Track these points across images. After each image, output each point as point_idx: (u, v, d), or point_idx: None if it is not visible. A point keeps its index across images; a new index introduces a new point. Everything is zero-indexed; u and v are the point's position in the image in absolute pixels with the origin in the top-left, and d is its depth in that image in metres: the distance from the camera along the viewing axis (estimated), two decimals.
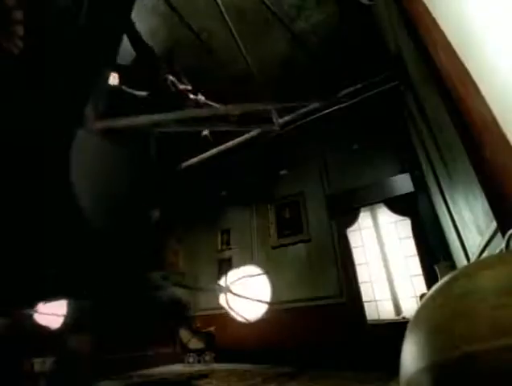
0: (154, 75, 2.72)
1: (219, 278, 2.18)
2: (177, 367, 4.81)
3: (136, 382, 3.88)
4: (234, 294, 1.98)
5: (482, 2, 0.96)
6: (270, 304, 2.12)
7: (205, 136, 3.32)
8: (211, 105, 2.90)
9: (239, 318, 2.04)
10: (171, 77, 2.78)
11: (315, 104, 3.20)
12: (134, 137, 2.39)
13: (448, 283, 0.51)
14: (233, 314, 2.03)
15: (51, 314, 2.70)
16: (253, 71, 2.81)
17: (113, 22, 1.83)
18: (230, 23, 2.67)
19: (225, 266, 5.52)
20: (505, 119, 0.83)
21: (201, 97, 2.92)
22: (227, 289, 2.01)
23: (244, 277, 2.07)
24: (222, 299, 2.04)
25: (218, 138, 3.63)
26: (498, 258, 0.55)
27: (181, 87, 2.83)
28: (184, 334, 5.19)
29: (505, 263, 0.47)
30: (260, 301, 2.00)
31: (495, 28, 0.88)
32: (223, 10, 2.66)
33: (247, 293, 2.00)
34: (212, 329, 5.08)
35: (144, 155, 2.49)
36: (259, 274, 2.12)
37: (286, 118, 3.13)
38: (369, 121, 4.70)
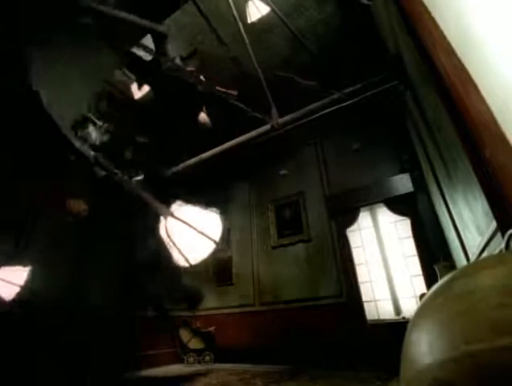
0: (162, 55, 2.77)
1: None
2: (177, 367, 4.81)
3: (136, 382, 3.88)
4: (177, 219, 1.59)
5: (482, 1, 0.96)
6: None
7: (204, 122, 3.34)
8: (213, 86, 2.94)
9: (180, 260, 1.62)
10: (178, 59, 2.83)
11: (315, 104, 3.20)
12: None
13: (447, 283, 0.51)
14: (172, 250, 1.63)
15: (8, 281, 2.55)
16: (256, 70, 2.82)
17: None
18: (241, 26, 2.68)
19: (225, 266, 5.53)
20: (504, 119, 0.83)
21: (203, 78, 2.99)
22: (169, 213, 1.61)
23: (193, 205, 1.70)
24: (162, 227, 1.67)
25: (217, 136, 3.63)
26: (498, 258, 0.55)
27: (188, 68, 2.89)
28: (184, 334, 5.19)
29: (505, 263, 0.47)
30: (207, 236, 1.60)
31: (495, 28, 0.88)
32: (235, 12, 2.67)
33: (194, 225, 1.60)
34: (212, 329, 5.08)
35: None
36: (211, 211, 1.76)
37: (286, 118, 3.13)
38: (369, 120, 4.70)
